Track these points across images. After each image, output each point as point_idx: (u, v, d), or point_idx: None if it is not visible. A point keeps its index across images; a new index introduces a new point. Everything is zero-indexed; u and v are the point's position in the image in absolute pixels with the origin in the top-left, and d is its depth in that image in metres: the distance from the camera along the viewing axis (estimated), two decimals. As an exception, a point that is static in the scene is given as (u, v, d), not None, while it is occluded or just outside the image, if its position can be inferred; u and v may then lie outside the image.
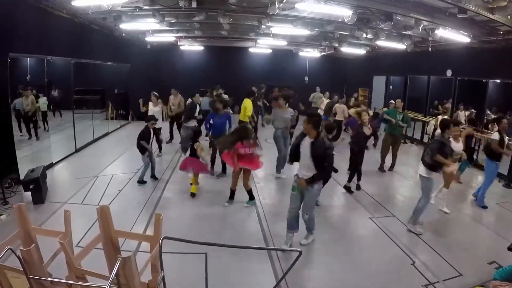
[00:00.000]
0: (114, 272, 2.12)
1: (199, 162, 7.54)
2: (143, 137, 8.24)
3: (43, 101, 11.52)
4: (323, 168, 5.34)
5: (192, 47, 18.59)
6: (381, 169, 10.14)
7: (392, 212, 7.19)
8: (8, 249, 2.52)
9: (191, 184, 7.74)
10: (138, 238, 4.07)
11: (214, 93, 13.01)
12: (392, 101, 11.09)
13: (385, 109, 12.57)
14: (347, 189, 8.35)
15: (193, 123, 10.21)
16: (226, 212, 6.94)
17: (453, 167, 6.43)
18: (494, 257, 5.47)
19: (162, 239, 1.90)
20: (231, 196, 7.32)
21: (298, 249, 1.79)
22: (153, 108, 10.82)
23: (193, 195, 7.64)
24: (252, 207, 7.18)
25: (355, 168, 8.41)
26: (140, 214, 6.64)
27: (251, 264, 5.16)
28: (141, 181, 8.30)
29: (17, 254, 2.51)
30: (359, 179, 8.52)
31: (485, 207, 7.56)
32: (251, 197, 7.31)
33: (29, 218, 3.22)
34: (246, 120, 9.90)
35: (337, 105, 12.56)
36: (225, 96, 13.30)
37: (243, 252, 5.31)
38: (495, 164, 7.58)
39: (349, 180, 8.38)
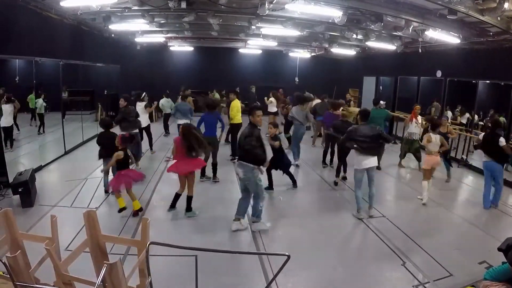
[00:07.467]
0: (100, 278, 2.09)
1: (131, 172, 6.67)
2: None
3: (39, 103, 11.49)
4: None
5: (182, 48, 18.59)
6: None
7: (382, 212, 7.21)
8: (-7, 255, 2.49)
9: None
10: (125, 242, 4.01)
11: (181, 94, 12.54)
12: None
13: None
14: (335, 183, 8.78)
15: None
16: (216, 214, 6.89)
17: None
18: (484, 257, 5.49)
19: (149, 245, 1.87)
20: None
21: (286, 253, 1.76)
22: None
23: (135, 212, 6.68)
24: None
25: (344, 159, 8.77)
26: (129, 217, 6.58)
27: (242, 266, 5.16)
28: None
29: (3, 261, 2.47)
30: (345, 170, 8.96)
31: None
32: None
33: (16, 223, 3.17)
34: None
35: None
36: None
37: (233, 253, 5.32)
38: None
39: (337, 173, 8.85)
